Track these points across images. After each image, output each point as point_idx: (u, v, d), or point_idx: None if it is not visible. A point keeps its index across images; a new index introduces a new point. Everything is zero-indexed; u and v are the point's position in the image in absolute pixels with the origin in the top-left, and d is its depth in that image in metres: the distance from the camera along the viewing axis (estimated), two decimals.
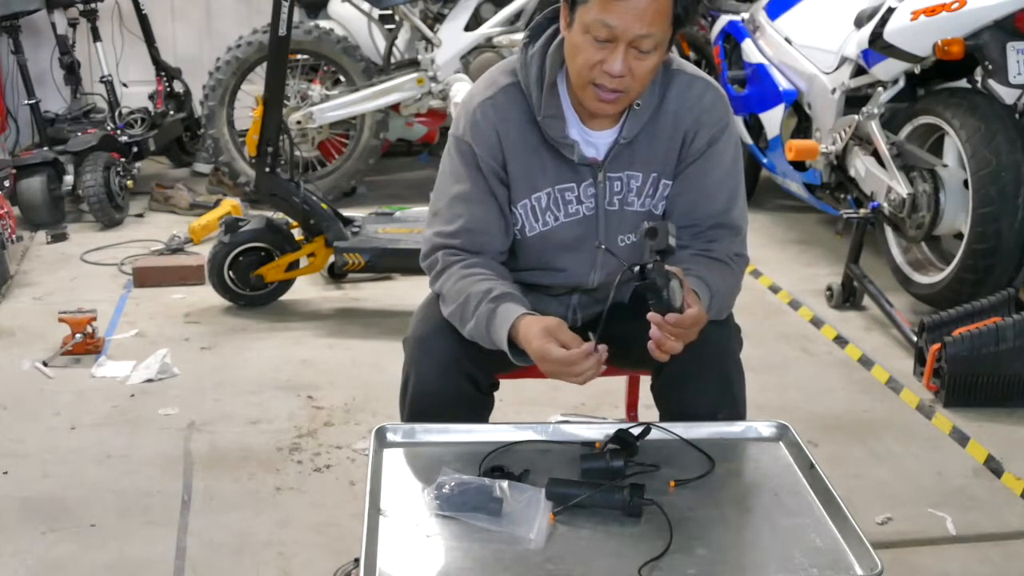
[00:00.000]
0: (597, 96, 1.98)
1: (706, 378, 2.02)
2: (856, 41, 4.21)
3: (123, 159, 5.32)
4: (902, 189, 3.94)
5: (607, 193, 2.09)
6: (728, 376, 2.05)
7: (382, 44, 5.42)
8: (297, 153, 4.95)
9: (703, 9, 5.58)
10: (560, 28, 2.02)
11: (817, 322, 4.00)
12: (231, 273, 4.06)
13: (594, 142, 2.08)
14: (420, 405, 2.03)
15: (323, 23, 5.40)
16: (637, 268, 1.79)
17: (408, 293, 4.17)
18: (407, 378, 2.08)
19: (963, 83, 4.00)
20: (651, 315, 1.82)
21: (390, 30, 5.48)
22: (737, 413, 2.03)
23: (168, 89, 6.03)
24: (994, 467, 2.98)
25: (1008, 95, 3.75)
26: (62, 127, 5.69)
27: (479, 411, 2.10)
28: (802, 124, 4.74)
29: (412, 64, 5.30)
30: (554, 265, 2.17)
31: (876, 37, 4.02)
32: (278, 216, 4.23)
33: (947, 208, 3.87)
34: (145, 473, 2.93)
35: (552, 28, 2.07)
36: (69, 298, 4.14)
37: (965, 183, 3.80)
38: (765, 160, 4.93)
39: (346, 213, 4.21)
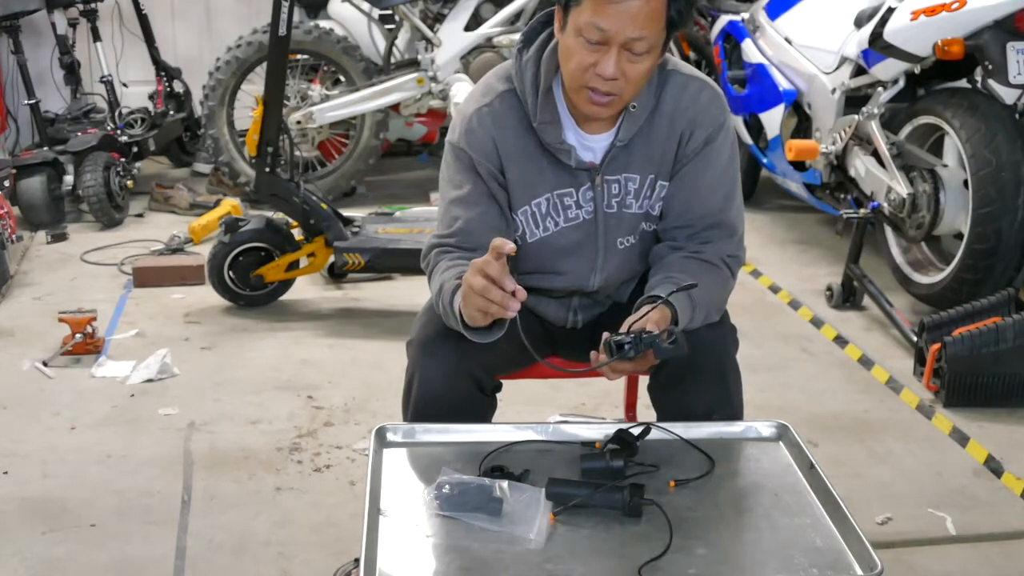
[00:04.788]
0: (590, 99, 1.97)
1: (703, 379, 2.02)
2: (856, 41, 4.21)
3: (123, 159, 5.32)
4: (902, 189, 3.94)
5: (605, 196, 2.09)
6: (725, 377, 2.05)
7: (382, 44, 5.42)
8: (297, 153, 4.95)
9: (703, 9, 5.58)
10: (554, 32, 2.01)
11: (817, 322, 4.00)
12: (231, 273, 4.05)
13: (591, 146, 2.08)
14: (424, 408, 2.02)
15: (323, 23, 5.40)
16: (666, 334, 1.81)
17: (408, 293, 4.17)
18: (411, 381, 2.07)
19: (963, 83, 4.00)
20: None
21: (390, 30, 5.48)
22: (734, 413, 2.03)
23: (168, 89, 6.03)
24: (994, 467, 2.98)
25: (1008, 95, 3.75)
26: (62, 127, 5.69)
27: (483, 413, 2.09)
28: (802, 124, 4.74)
29: (412, 64, 5.30)
30: (555, 269, 2.17)
31: (876, 37, 4.02)
32: (278, 216, 4.23)
33: (947, 208, 3.86)
34: (145, 473, 2.93)
35: (546, 33, 2.06)
36: (69, 298, 4.14)
37: (965, 183, 3.80)
38: (765, 160, 4.93)
39: (346, 213, 4.21)
